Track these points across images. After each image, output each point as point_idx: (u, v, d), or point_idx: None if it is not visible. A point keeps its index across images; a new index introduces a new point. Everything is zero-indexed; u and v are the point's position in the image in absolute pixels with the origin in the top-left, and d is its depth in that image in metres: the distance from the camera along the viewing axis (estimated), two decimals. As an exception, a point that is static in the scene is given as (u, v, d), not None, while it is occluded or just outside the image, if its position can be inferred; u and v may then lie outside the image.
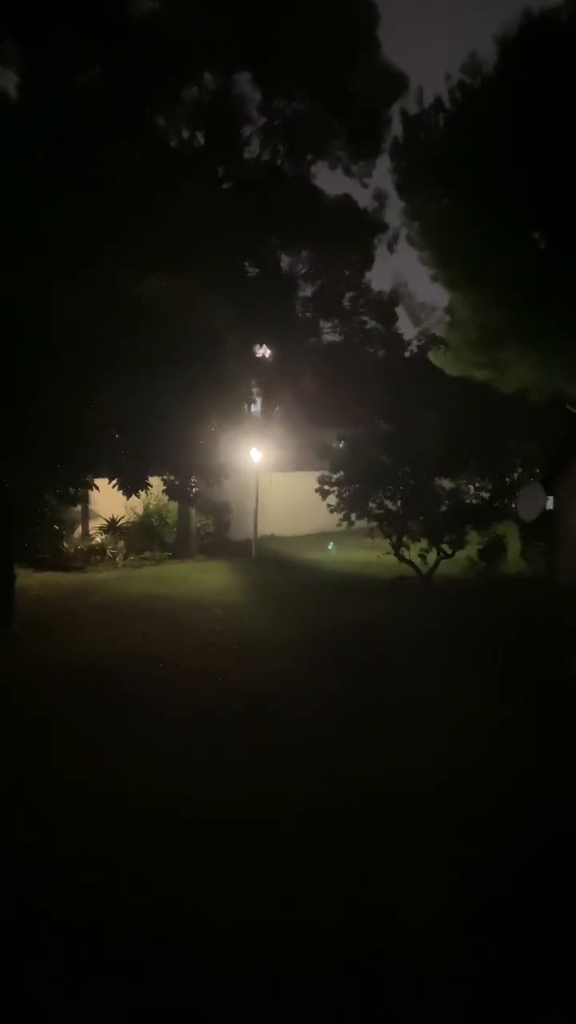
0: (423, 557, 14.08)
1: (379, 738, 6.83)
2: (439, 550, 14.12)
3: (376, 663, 9.19)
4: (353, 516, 14.78)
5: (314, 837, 5.05)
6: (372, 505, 14.55)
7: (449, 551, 14.17)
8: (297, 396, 20.36)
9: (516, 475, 15.36)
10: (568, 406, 10.35)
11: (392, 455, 14.37)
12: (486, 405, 13.22)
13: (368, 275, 21.52)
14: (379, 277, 59.17)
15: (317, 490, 14.92)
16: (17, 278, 8.71)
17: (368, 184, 20.43)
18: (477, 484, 15.01)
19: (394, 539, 14.38)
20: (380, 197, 20.19)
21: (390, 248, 20.52)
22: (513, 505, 13.25)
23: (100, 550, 16.32)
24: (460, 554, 14.42)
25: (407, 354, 23.30)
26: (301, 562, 17.45)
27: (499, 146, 9.80)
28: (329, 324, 21.82)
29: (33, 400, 9.07)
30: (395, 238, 20.26)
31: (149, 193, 11.84)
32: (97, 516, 17.22)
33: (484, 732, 7.02)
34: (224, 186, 18.52)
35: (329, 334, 21.96)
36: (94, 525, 17.28)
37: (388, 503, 14.55)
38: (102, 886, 4.45)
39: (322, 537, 19.32)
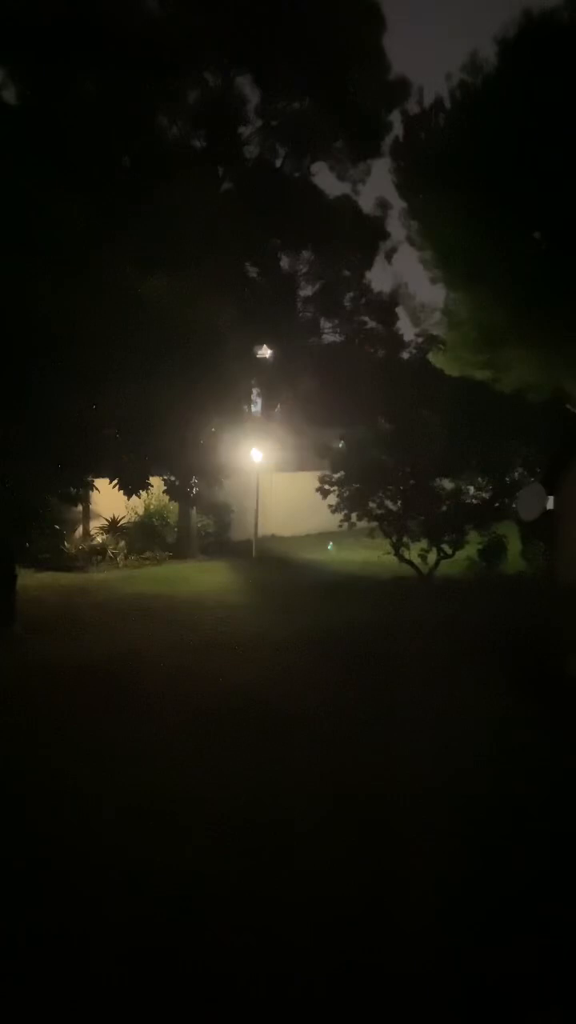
0: (423, 557, 14.09)
1: (380, 737, 6.83)
2: (439, 550, 14.13)
3: (376, 663, 9.19)
4: (354, 516, 14.79)
5: (318, 836, 5.06)
6: (372, 505, 14.57)
7: (449, 551, 14.19)
8: (298, 396, 20.35)
9: (516, 475, 15.38)
10: (568, 406, 10.37)
11: (392, 455, 14.39)
12: (486, 405, 13.24)
13: (368, 275, 21.55)
14: (380, 278, 59.30)
15: (318, 490, 14.94)
16: (17, 278, 8.73)
17: (359, 191, 20.56)
18: (477, 484, 15.03)
19: (394, 539, 14.39)
20: (383, 205, 20.30)
21: (388, 258, 20.65)
22: (513, 505, 13.27)
23: (101, 550, 16.33)
24: (460, 554, 14.43)
25: (407, 354, 23.28)
26: (302, 562, 17.45)
27: (500, 146, 9.81)
28: (330, 324, 21.81)
29: (33, 400, 9.08)
30: (393, 249, 20.44)
31: (149, 193, 11.87)
32: (98, 516, 17.24)
33: (484, 731, 7.01)
34: (224, 186, 18.54)
35: (330, 334, 21.96)
36: (95, 525, 17.30)
37: (388, 503, 14.56)
38: (101, 887, 4.46)
39: (323, 537, 19.32)
